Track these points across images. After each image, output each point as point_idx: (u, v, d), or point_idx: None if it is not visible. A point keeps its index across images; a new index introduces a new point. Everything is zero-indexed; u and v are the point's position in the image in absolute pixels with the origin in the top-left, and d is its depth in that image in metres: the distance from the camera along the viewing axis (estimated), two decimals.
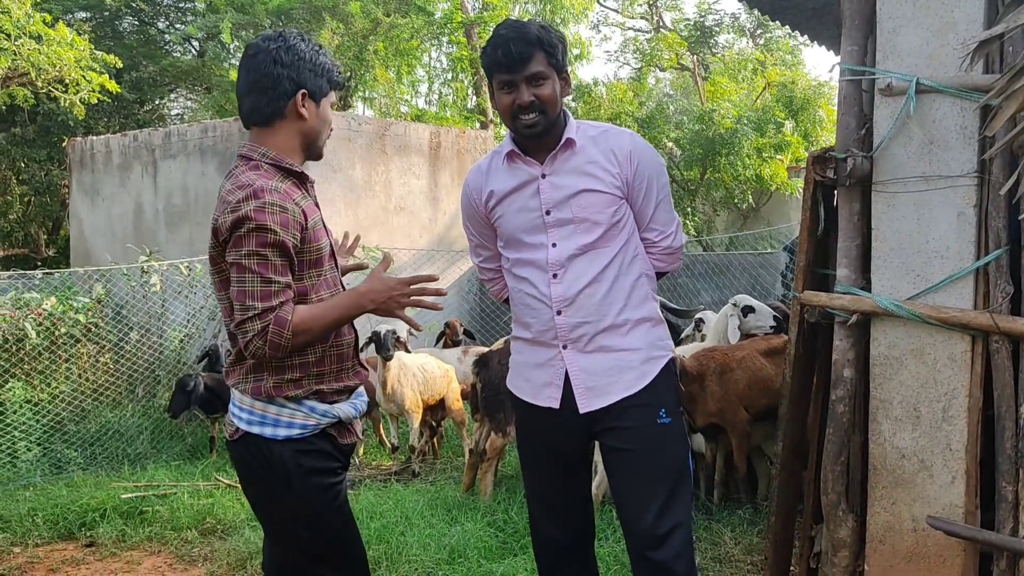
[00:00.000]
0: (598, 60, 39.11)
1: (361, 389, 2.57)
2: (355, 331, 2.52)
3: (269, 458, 2.36)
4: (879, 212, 3.09)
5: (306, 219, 2.30)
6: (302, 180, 2.41)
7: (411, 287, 2.39)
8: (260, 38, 2.41)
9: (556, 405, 2.67)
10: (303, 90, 2.34)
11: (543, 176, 2.63)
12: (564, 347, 2.65)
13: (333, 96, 2.45)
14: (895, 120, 3.01)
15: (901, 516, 3.06)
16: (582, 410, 2.64)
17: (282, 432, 2.35)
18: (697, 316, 6.21)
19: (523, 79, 2.52)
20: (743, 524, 4.68)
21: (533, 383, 2.73)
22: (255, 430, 2.36)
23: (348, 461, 2.56)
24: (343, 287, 2.51)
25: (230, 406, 2.45)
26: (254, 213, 2.19)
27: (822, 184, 3.27)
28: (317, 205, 2.46)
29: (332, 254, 2.48)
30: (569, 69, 2.70)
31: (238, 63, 2.52)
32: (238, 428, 2.40)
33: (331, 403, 2.42)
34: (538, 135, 2.59)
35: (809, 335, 3.40)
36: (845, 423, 3.14)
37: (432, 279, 2.44)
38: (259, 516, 2.54)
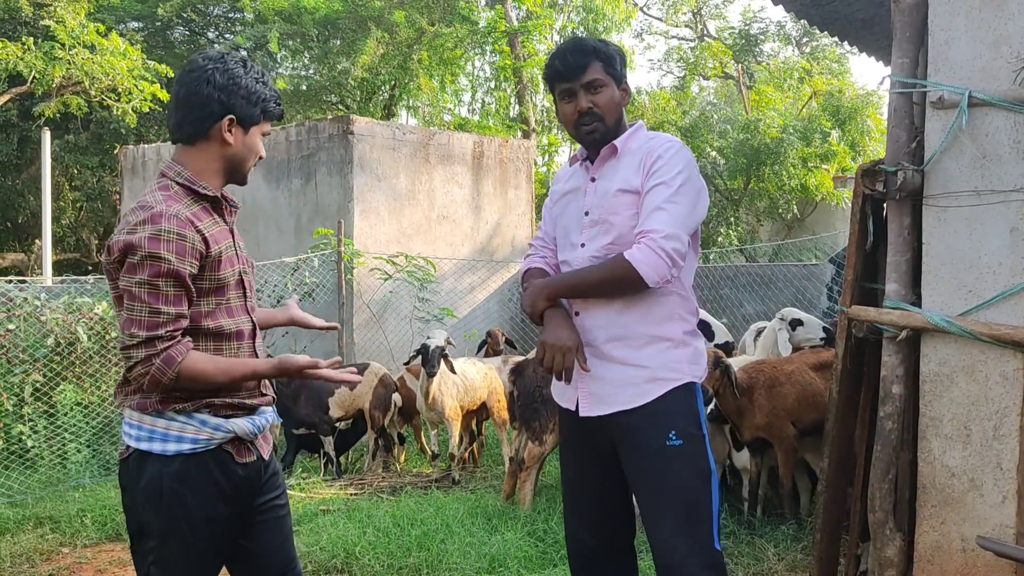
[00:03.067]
0: (641, 69, 39.08)
1: (265, 408, 2.43)
2: (256, 356, 2.42)
3: (146, 477, 2.24)
4: (930, 226, 3.05)
5: (208, 247, 2.23)
6: (216, 205, 2.34)
7: (318, 372, 2.36)
8: (200, 56, 2.35)
9: (573, 407, 2.70)
10: (231, 115, 2.30)
11: (592, 180, 2.71)
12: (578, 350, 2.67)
13: (267, 126, 2.40)
14: (947, 133, 2.97)
15: (950, 536, 3.00)
16: (582, 413, 2.66)
17: (172, 447, 2.23)
18: (757, 326, 6.16)
19: (581, 86, 2.62)
20: (787, 540, 4.62)
21: (559, 384, 2.77)
22: (144, 446, 2.24)
23: (250, 489, 2.37)
24: (251, 317, 2.42)
25: (123, 425, 2.34)
26: (148, 242, 2.14)
27: (871, 197, 3.23)
28: (232, 232, 2.39)
29: (241, 283, 2.38)
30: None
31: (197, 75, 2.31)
32: (128, 446, 2.28)
33: (225, 417, 2.29)
34: (597, 142, 2.67)
35: (856, 350, 3.36)
36: (893, 440, 3.09)
37: (336, 366, 2.40)
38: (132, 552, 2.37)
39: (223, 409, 2.29)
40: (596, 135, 2.64)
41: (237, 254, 2.37)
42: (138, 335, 2.14)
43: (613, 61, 2.64)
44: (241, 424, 2.31)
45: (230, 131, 2.30)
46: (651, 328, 2.60)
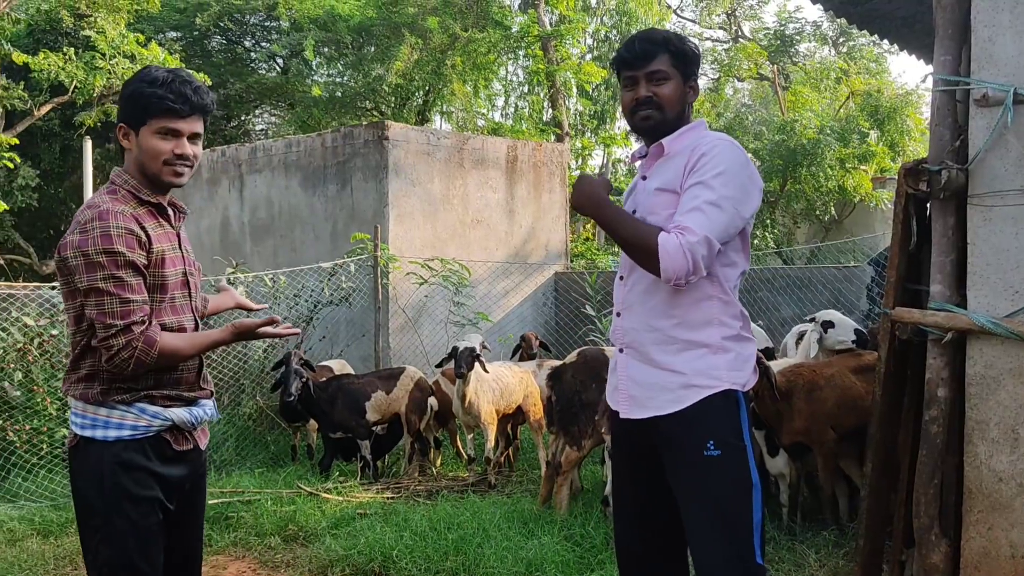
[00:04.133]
0: None
1: (205, 401, 2.61)
2: (200, 359, 2.59)
3: (90, 461, 2.40)
4: (975, 226, 2.99)
5: (151, 244, 2.40)
6: (161, 210, 2.51)
7: (270, 331, 2.54)
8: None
9: (619, 409, 2.70)
10: (121, 123, 2.49)
11: (643, 178, 2.70)
12: (621, 351, 2.68)
13: (161, 123, 2.43)
14: (992, 131, 2.92)
15: (998, 542, 2.94)
16: (621, 415, 2.66)
17: (112, 433, 2.39)
18: (798, 329, 6.08)
19: (644, 75, 2.60)
20: (828, 546, 4.56)
21: (611, 385, 2.78)
22: (87, 433, 2.40)
23: (188, 474, 2.55)
24: (195, 315, 2.59)
25: (70, 414, 2.48)
26: (101, 239, 2.32)
27: (915, 197, 3.18)
28: (179, 235, 2.56)
29: (186, 284, 2.55)
30: (700, 81, 2.72)
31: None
32: (75, 435, 2.44)
33: (163, 407, 2.46)
34: (650, 131, 2.64)
35: (900, 353, 3.30)
36: (939, 444, 3.04)
37: (278, 323, 2.56)
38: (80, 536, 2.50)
39: (161, 400, 2.46)
40: (650, 122, 2.61)
41: (183, 256, 2.56)
42: (115, 324, 2.31)
43: (684, 56, 2.61)
44: (179, 413, 2.49)
45: (126, 138, 2.49)
46: (688, 333, 2.56)
